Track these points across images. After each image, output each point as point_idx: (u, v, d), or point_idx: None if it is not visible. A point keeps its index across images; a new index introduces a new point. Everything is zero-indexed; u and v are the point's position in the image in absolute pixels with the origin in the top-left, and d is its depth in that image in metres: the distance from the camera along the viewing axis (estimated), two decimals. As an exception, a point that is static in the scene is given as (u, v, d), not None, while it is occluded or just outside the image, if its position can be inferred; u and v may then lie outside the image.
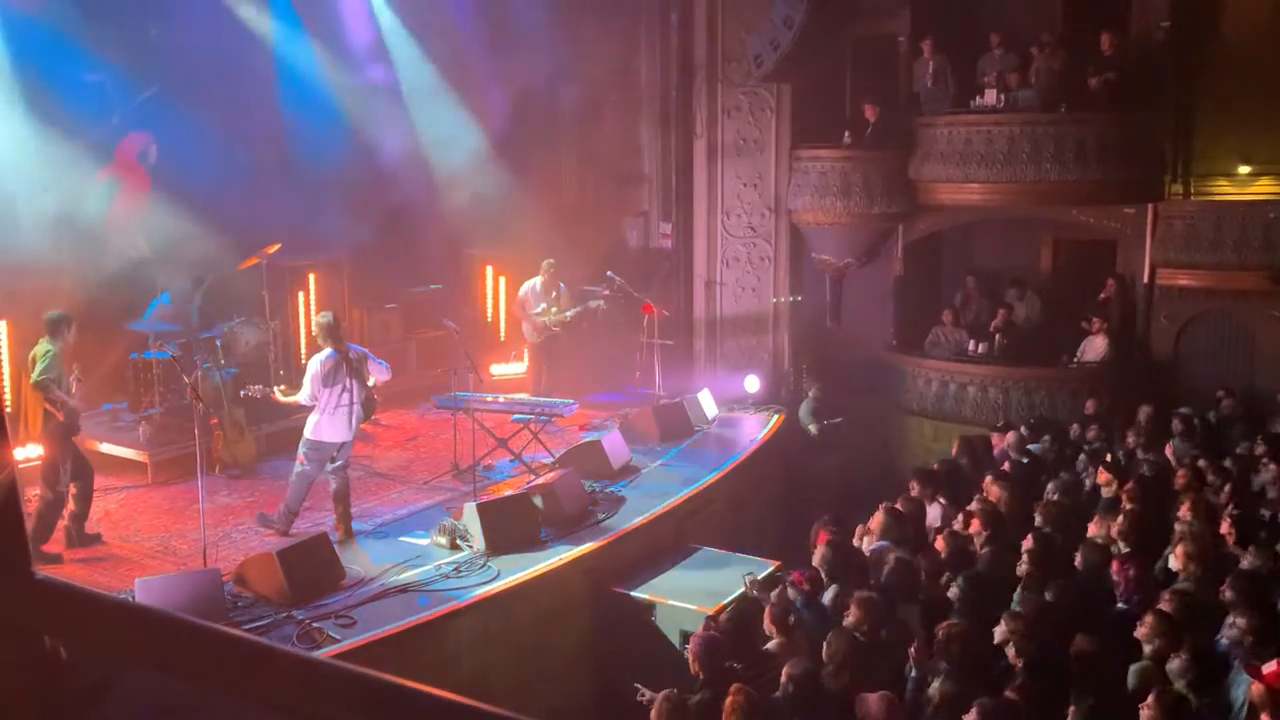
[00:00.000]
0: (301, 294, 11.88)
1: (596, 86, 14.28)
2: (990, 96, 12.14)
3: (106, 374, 10.44)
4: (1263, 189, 11.96)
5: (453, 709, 0.80)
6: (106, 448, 9.80)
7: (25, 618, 0.97)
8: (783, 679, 5.43)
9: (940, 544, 7.28)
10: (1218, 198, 12.05)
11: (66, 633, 0.99)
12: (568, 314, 11.64)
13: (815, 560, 7.19)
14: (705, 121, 13.17)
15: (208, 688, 0.91)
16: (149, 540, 8.30)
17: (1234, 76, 11.73)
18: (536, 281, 11.72)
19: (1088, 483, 8.77)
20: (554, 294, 11.67)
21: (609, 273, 12.16)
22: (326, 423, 7.94)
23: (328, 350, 7.96)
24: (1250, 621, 5.36)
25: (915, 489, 8.52)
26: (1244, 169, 12.05)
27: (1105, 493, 8.24)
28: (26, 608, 0.97)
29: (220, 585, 6.95)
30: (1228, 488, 7.81)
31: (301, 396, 7.99)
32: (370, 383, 8.21)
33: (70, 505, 7.91)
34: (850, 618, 6.09)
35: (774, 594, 6.76)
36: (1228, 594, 5.87)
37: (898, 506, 8.12)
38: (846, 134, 12.84)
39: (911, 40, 12.95)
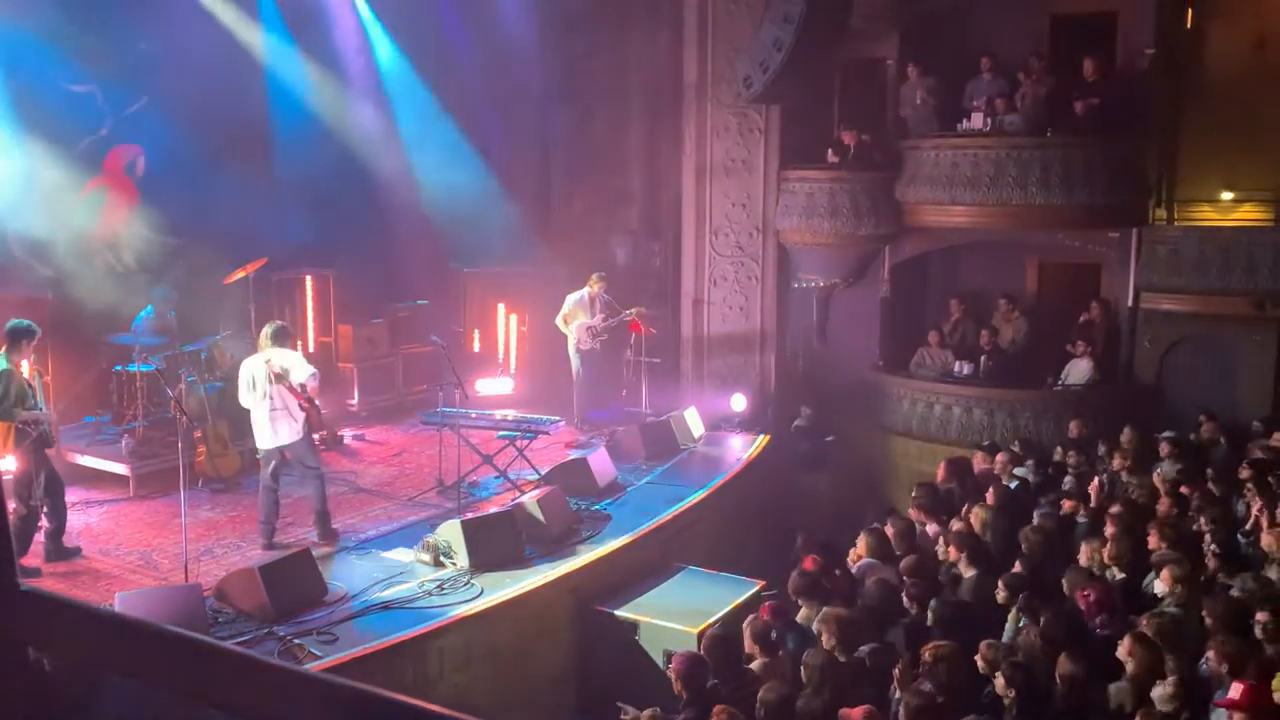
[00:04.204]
0: (309, 302, 11.96)
1: (586, 105, 14.36)
2: (977, 120, 12.25)
3: (90, 386, 10.38)
4: (1245, 215, 12.08)
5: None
6: (89, 460, 9.74)
7: (10, 628, 0.96)
8: (757, 703, 5.41)
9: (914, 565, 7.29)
10: (1201, 223, 12.17)
11: (52, 644, 0.98)
12: (616, 320, 11.78)
13: (791, 582, 7.20)
14: (694, 141, 13.24)
15: (194, 699, 0.90)
16: (130, 554, 8.23)
17: (1217, 103, 11.87)
18: (584, 293, 11.74)
19: (1071, 505, 8.78)
20: (599, 304, 11.75)
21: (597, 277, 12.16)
22: (259, 430, 8.05)
23: (254, 355, 8.05)
24: (1225, 647, 5.37)
25: (914, 513, 8.52)
26: (1227, 195, 12.18)
27: (1080, 518, 8.27)
28: (11, 618, 0.96)
29: (201, 600, 6.90)
30: (1211, 513, 7.83)
31: (241, 400, 8.12)
32: (302, 388, 8.10)
33: (44, 522, 7.82)
34: (824, 637, 6.09)
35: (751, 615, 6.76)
36: (1206, 620, 5.90)
37: (885, 527, 8.13)
38: (830, 151, 12.92)
39: (900, 64, 13.07)
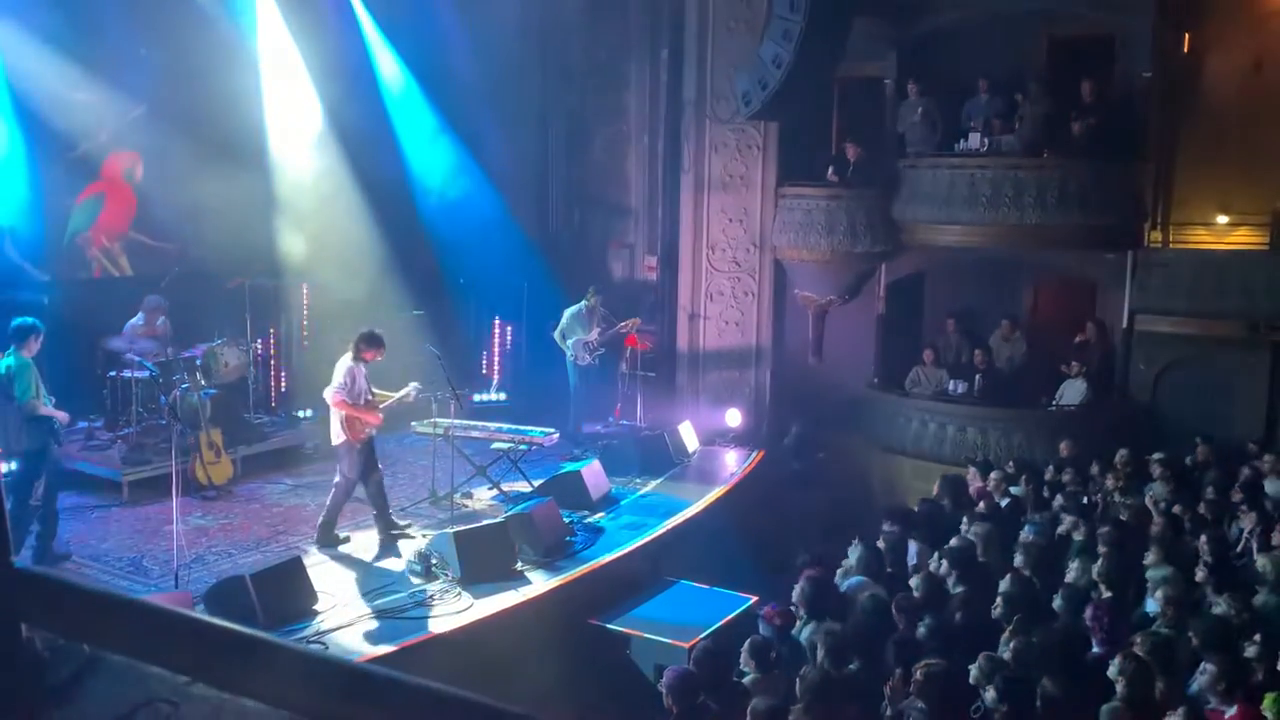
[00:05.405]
0: (305, 310, 12.00)
1: (586, 120, 14.41)
2: (974, 140, 12.30)
3: (83, 391, 10.35)
4: (1240, 239, 12.13)
5: (441, 698, 0.79)
6: (81, 465, 9.69)
7: (4, 606, 0.96)
8: (747, 714, 5.39)
9: (915, 583, 7.27)
10: (1196, 246, 12.22)
11: (48, 621, 0.97)
12: (612, 332, 11.89)
13: (794, 595, 7.17)
14: (693, 156, 13.27)
15: (193, 677, 0.89)
16: (120, 561, 8.19)
17: (1213, 127, 11.93)
18: (581, 307, 11.78)
19: (1064, 524, 8.77)
20: (596, 318, 11.83)
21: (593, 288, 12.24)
22: None
23: None
24: (1219, 668, 5.37)
25: (888, 526, 8.51)
26: (1222, 218, 12.23)
27: (1076, 537, 8.26)
28: (5, 595, 0.95)
29: (191, 608, 6.86)
30: (1203, 535, 7.84)
31: None
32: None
33: (33, 525, 7.81)
34: (818, 652, 6.08)
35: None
36: (1195, 640, 5.89)
37: (876, 544, 8.11)
38: (830, 169, 12.98)
39: (897, 83, 13.13)
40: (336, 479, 8.57)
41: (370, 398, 8.44)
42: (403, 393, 8.71)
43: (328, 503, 8.56)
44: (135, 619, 0.89)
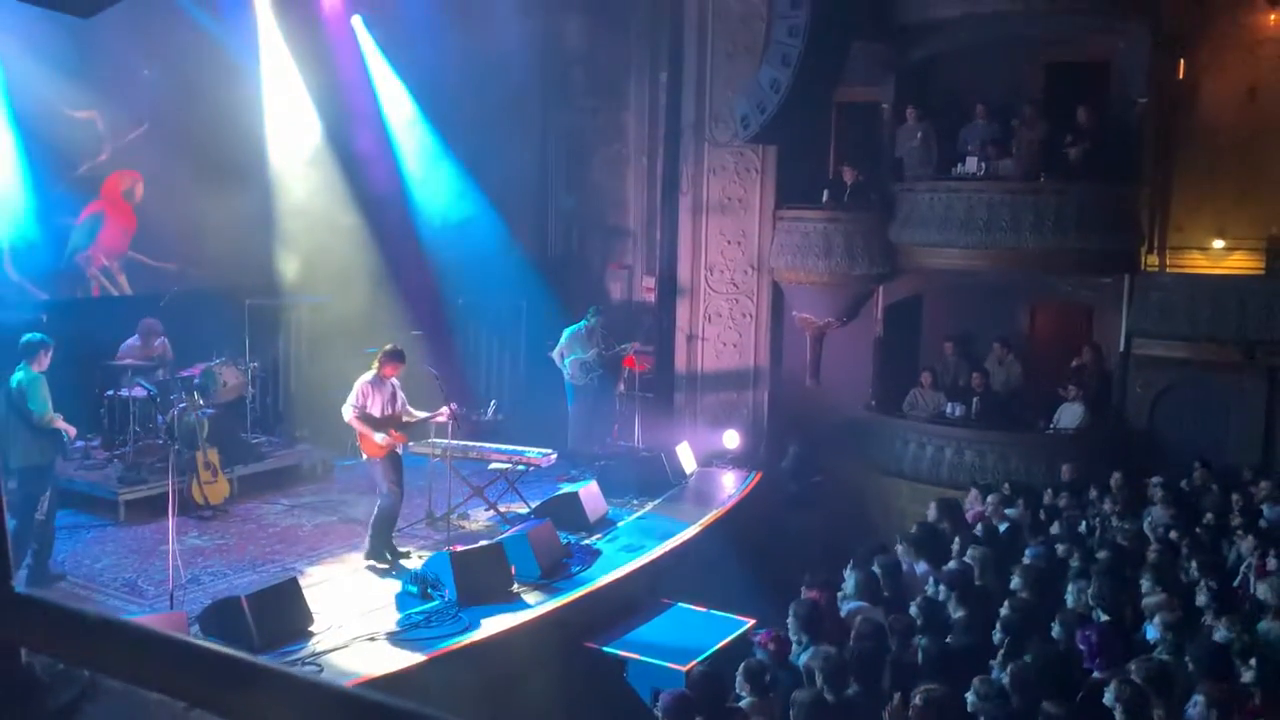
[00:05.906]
0: (303, 329, 12.01)
1: (585, 142, 14.48)
2: (971, 164, 12.36)
3: (81, 410, 10.35)
4: (1236, 263, 12.18)
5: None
6: (77, 484, 9.67)
7: (4, 631, 0.96)
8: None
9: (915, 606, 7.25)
10: (1192, 270, 12.26)
11: (48, 646, 0.97)
12: (610, 353, 12.01)
13: (790, 619, 7.14)
14: (691, 179, 13.32)
15: (193, 704, 0.89)
16: (115, 581, 8.16)
17: (1209, 152, 12.00)
18: (581, 327, 11.82)
19: (1060, 549, 8.76)
20: (596, 339, 11.93)
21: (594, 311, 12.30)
22: None
23: None
24: (1213, 693, 5.35)
25: (901, 550, 8.50)
26: (1218, 243, 12.28)
27: (1072, 562, 8.24)
28: (6, 621, 0.95)
29: (185, 629, 6.82)
30: (1199, 560, 7.82)
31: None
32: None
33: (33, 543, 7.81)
34: (815, 676, 6.05)
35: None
36: (1190, 665, 5.88)
37: (872, 567, 8.09)
38: (825, 193, 13.01)
39: (896, 108, 13.20)
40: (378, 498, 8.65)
41: (393, 413, 8.45)
42: (435, 413, 8.72)
43: (372, 520, 8.62)
44: (137, 645, 0.89)
